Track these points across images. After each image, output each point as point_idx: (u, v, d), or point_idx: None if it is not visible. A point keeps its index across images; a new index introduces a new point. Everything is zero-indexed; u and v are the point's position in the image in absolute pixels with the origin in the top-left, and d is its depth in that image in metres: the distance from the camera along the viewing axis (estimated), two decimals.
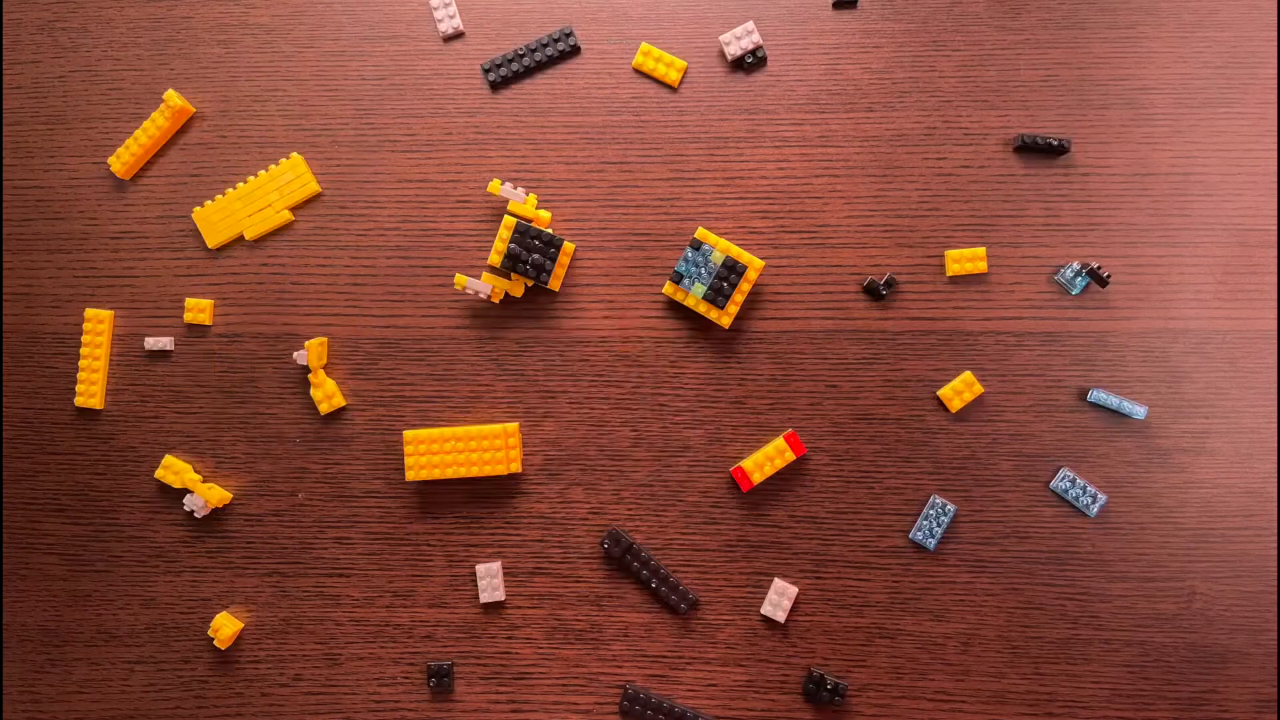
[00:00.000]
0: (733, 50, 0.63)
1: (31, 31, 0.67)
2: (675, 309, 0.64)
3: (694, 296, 0.62)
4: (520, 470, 0.63)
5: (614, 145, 0.65)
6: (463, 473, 0.62)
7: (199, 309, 0.64)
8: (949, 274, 0.63)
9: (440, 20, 0.66)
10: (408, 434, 0.62)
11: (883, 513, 0.63)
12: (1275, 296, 0.63)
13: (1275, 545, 0.62)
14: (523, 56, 0.65)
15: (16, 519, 0.66)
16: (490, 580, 0.63)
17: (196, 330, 0.65)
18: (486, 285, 0.61)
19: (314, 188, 0.64)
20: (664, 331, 0.64)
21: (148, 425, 0.65)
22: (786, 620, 0.63)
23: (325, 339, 0.64)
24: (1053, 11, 0.65)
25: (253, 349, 0.65)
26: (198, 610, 0.65)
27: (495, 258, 0.61)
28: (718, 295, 0.61)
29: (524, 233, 0.61)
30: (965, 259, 0.63)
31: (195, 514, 0.64)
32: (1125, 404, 0.60)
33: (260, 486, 0.65)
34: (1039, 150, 0.61)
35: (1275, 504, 0.62)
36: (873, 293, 0.63)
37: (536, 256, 0.60)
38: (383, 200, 0.65)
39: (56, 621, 0.65)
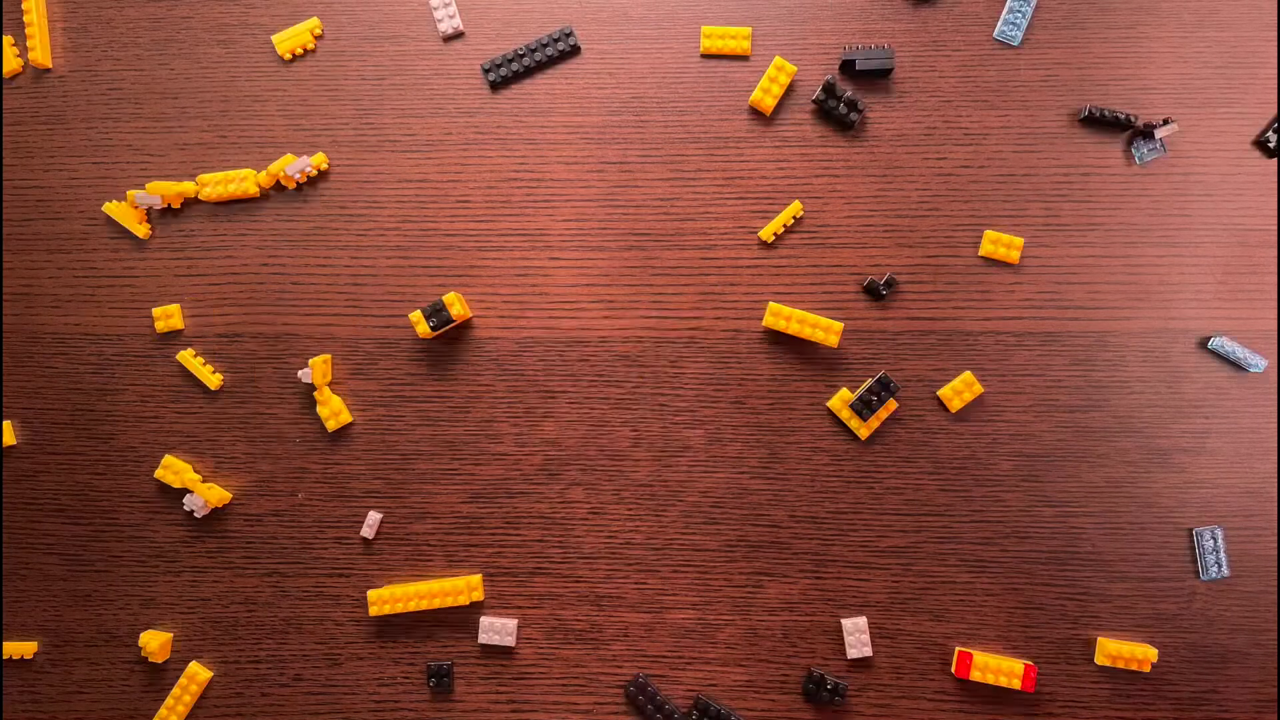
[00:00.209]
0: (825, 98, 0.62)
1: None
2: (675, 308, 0.64)
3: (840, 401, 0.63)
4: (482, 599, 0.63)
5: (614, 145, 0.65)
6: (425, 605, 0.63)
7: (166, 315, 0.64)
8: (980, 253, 0.63)
9: (440, 20, 0.66)
10: (371, 594, 0.63)
11: (883, 513, 0.63)
12: (1275, 296, 0.63)
13: (1275, 545, 0.62)
14: (523, 56, 0.65)
15: (16, 519, 0.66)
16: (370, 527, 0.64)
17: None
18: (155, 197, 0.60)
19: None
20: (664, 332, 0.64)
21: (148, 425, 0.65)
22: (787, 621, 0.63)
23: (329, 356, 0.64)
24: (1053, 11, 0.65)
25: (253, 349, 0.65)
26: (197, 610, 0.65)
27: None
28: (865, 407, 0.62)
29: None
30: (1001, 244, 0.63)
31: (195, 514, 0.64)
32: (1247, 355, 0.59)
33: (260, 486, 0.65)
34: (1104, 124, 0.60)
35: (1275, 504, 0.62)
36: (873, 292, 0.63)
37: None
38: (383, 200, 0.65)
39: (56, 621, 0.65)
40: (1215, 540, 0.61)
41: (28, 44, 0.65)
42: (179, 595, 0.65)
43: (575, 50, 0.65)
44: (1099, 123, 0.61)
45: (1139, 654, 0.60)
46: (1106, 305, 0.63)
